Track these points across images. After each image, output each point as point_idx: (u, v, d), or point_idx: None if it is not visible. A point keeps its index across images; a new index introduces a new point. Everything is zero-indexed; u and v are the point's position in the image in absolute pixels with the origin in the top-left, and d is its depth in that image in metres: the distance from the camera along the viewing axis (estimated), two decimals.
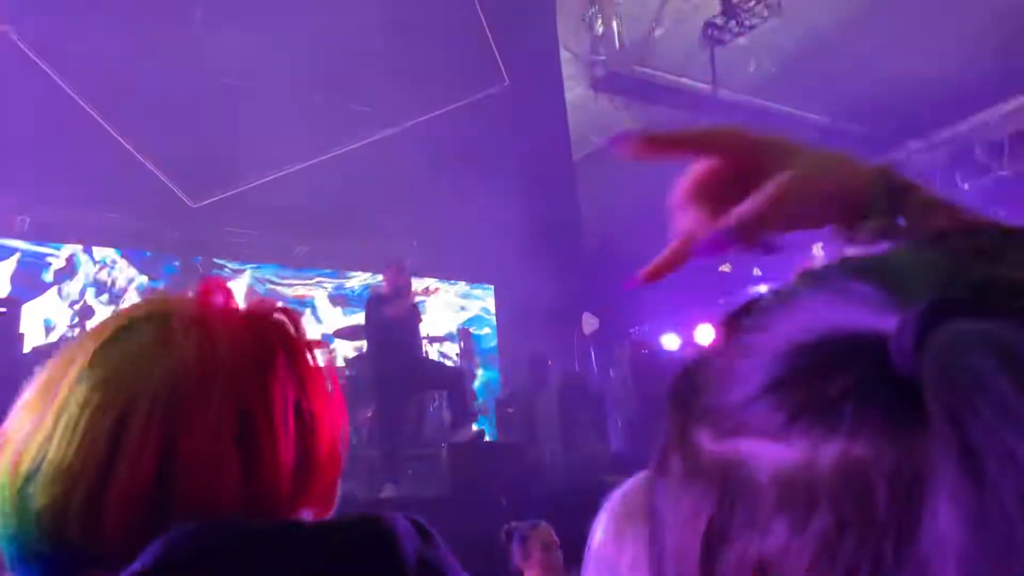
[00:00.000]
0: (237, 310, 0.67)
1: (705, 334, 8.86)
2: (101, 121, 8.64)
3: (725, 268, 12.96)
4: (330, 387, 0.68)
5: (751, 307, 0.35)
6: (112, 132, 8.72)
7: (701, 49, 10.13)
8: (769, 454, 0.28)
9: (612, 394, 7.73)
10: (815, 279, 0.32)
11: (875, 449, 0.26)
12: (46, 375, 0.64)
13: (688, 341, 8.96)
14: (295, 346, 0.67)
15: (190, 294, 0.66)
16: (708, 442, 0.31)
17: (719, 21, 9.84)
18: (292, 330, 0.68)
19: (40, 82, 8.30)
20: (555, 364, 8.49)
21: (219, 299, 0.66)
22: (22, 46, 8.21)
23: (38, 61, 8.30)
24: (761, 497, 0.28)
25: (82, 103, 8.54)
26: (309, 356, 0.68)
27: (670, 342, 9.26)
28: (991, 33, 8.77)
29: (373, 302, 6.38)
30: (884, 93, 10.17)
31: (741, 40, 10.12)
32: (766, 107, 11.66)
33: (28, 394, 0.63)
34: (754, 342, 0.31)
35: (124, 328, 0.63)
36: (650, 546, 0.34)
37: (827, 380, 0.27)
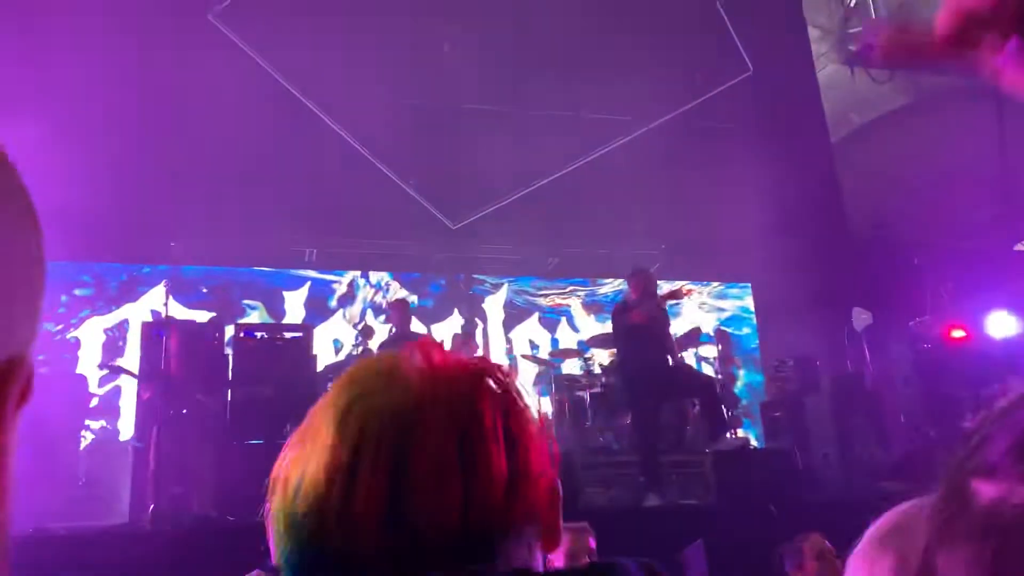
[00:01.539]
0: (452, 358, 0.77)
1: (998, 322, 7.87)
2: (368, 156, 9.46)
3: (1020, 247, 11.45)
4: (535, 420, 0.76)
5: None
6: (379, 165, 9.51)
7: None
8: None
9: (892, 394, 7.08)
10: None
11: None
12: (303, 424, 0.77)
13: (977, 332, 8.00)
14: (502, 383, 0.76)
15: (411, 351, 0.77)
16: (982, 487, 0.37)
17: None
18: (500, 373, 0.77)
19: (314, 128, 9.25)
20: (824, 364, 7.96)
21: (436, 352, 0.76)
22: (296, 94, 9.19)
23: (311, 106, 9.25)
24: None
25: (351, 140, 9.40)
26: (515, 394, 0.76)
27: (957, 334, 8.32)
28: None
29: (618, 310, 6.39)
30: None
31: None
32: None
33: (293, 437, 0.77)
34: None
35: (360, 372, 0.77)
36: None
37: None
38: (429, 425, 0.69)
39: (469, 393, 0.72)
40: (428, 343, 0.77)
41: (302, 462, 0.72)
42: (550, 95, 9.69)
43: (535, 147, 9.20)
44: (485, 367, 0.76)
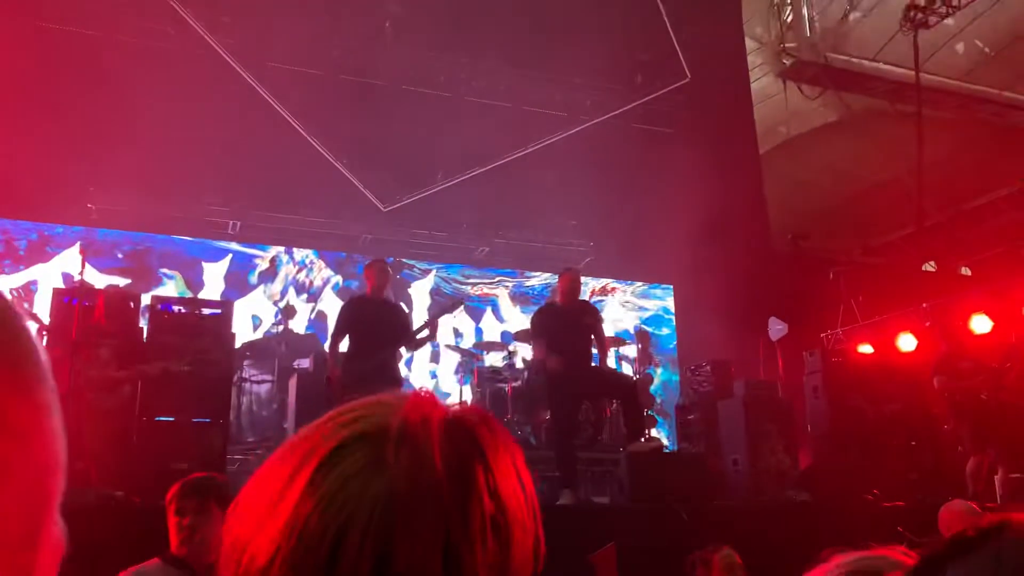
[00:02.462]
0: (441, 421, 0.70)
1: (905, 342, 8.22)
2: (302, 131, 9.24)
3: (929, 267, 12.00)
4: (524, 491, 0.71)
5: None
6: (312, 141, 9.31)
7: (902, 33, 9.38)
8: None
9: (801, 404, 7.32)
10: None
11: None
12: (264, 479, 0.69)
13: (884, 348, 8.35)
14: (492, 457, 0.70)
15: (400, 403, 0.70)
16: None
17: (922, 1, 9.06)
18: (489, 436, 0.71)
19: (243, 94, 8.98)
20: (738, 370, 8.18)
21: (426, 409, 0.70)
22: (227, 58, 8.91)
23: (241, 72, 8.98)
24: None
25: (284, 112, 9.17)
26: (505, 462, 0.71)
27: (864, 349, 8.67)
28: None
29: (543, 309, 6.43)
30: None
31: (948, 21, 9.29)
32: (976, 91, 10.67)
33: (248, 492, 0.69)
34: None
35: (340, 448, 0.67)
36: None
37: None
38: (419, 521, 0.63)
39: (457, 481, 0.66)
40: (429, 403, 0.70)
41: (266, 531, 0.64)
42: (491, 84, 9.66)
43: (472, 135, 9.15)
44: (477, 436, 0.70)
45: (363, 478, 0.65)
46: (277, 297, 10.12)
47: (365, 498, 0.64)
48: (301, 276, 10.44)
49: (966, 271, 12.26)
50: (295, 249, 10.40)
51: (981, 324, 7.76)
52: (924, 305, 8.70)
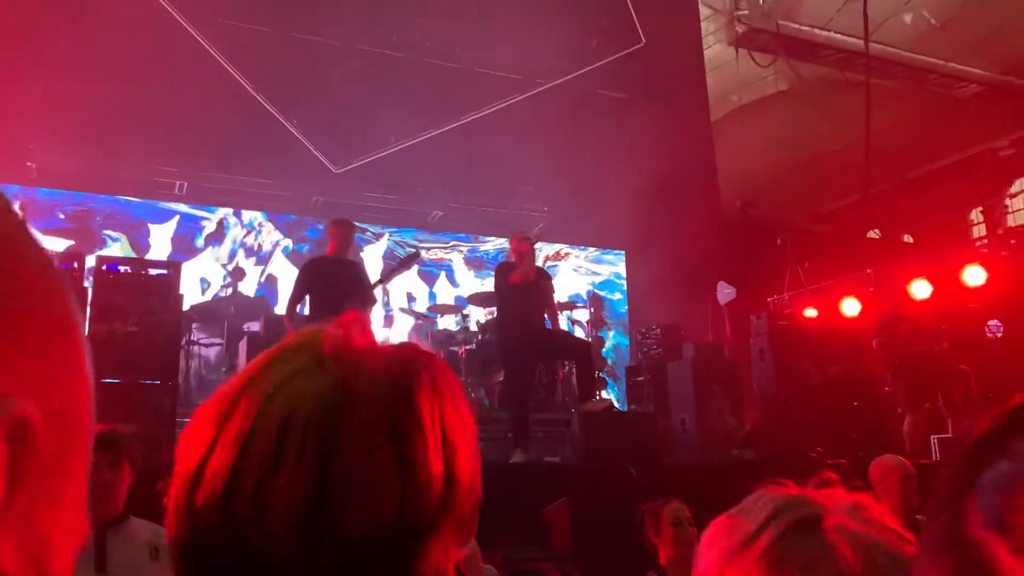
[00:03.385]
0: (380, 343, 0.70)
1: (849, 307, 8.43)
2: (252, 91, 9.05)
3: (873, 234, 12.29)
4: (463, 411, 0.70)
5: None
6: (262, 101, 9.12)
7: (853, 1, 9.49)
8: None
9: (747, 366, 7.49)
10: None
11: None
12: (217, 396, 0.69)
13: (829, 313, 8.56)
14: (438, 372, 0.70)
15: (333, 328, 0.70)
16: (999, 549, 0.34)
17: None
18: (430, 356, 0.71)
19: (192, 52, 8.75)
20: (687, 333, 8.32)
21: (366, 333, 0.69)
22: (178, 17, 8.66)
23: (193, 32, 8.74)
24: None
25: (234, 73, 8.96)
26: (452, 386, 0.70)
27: (809, 312, 8.87)
28: None
29: (502, 268, 6.42)
30: None
31: None
32: (922, 61, 10.87)
33: (197, 415, 0.68)
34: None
35: (281, 354, 0.68)
36: None
37: None
38: (362, 415, 0.63)
39: (406, 383, 0.66)
40: (355, 320, 0.70)
41: (208, 446, 0.64)
42: (446, 46, 9.54)
43: (427, 97, 9.06)
44: (419, 355, 0.70)
45: (307, 376, 0.65)
46: (225, 260, 9.95)
47: (306, 394, 0.64)
48: (250, 239, 10.27)
49: (908, 238, 12.59)
50: (244, 211, 10.22)
51: (921, 289, 7.99)
52: (868, 271, 8.92)
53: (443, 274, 10.84)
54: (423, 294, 10.56)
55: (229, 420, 0.65)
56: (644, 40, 10.24)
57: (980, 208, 12.15)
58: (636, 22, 10.08)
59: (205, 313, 8.63)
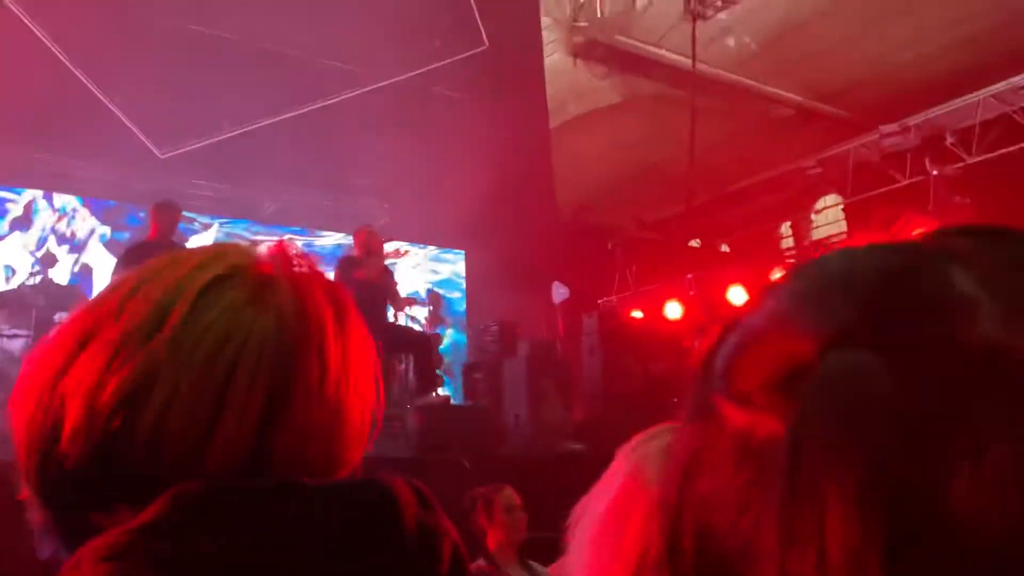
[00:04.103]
0: (307, 270, 0.69)
1: (672, 309, 8.93)
2: (69, 65, 8.40)
3: (695, 243, 13.06)
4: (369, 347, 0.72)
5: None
6: (80, 76, 8.48)
7: (683, 21, 10.07)
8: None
9: (578, 363, 7.77)
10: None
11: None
12: (103, 301, 0.63)
13: (654, 314, 9.02)
14: (348, 308, 0.70)
15: (261, 251, 0.68)
16: (733, 414, 0.37)
17: None
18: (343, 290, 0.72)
19: (8, 23, 8.03)
20: (523, 331, 8.51)
21: (287, 258, 0.68)
22: None
23: (10, 5, 8.03)
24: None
25: (51, 46, 8.29)
26: (356, 314, 0.71)
27: (635, 314, 9.32)
28: (969, 23, 8.84)
29: (344, 266, 6.34)
30: (860, 75, 10.26)
31: (723, 15, 10.08)
32: (742, 83, 11.67)
33: (76, 320, 0.63)
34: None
35: (218, 279, 0.64)
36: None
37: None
38: (305, 352, 0.62)
39: (335, 323, 0.66)
40: (282, 248, 0.69)
41: (138, 370, 0.59)
42: (287, 32, 9.25)
43: (264, 84, 8.75)
44: (336, 286, 0.71)
45: (250, 312, 0.63)
46: (33, 248, 9.18)
47: (253, 330, 0.62)
48: (62, 225, 9.52)
49: (725, 248, 13.49)
50: (55, 194, 9.46)
51: (737, 295, 8.58)
52: (689, 276, 9.47)
53: None
54: None
55: (173, 340, 0.60)
56: (487, 43, 10.38)
57: (789, 222, 13.19)
58: (480, 25, 10.20)
59: (10, 302, 7.92)
